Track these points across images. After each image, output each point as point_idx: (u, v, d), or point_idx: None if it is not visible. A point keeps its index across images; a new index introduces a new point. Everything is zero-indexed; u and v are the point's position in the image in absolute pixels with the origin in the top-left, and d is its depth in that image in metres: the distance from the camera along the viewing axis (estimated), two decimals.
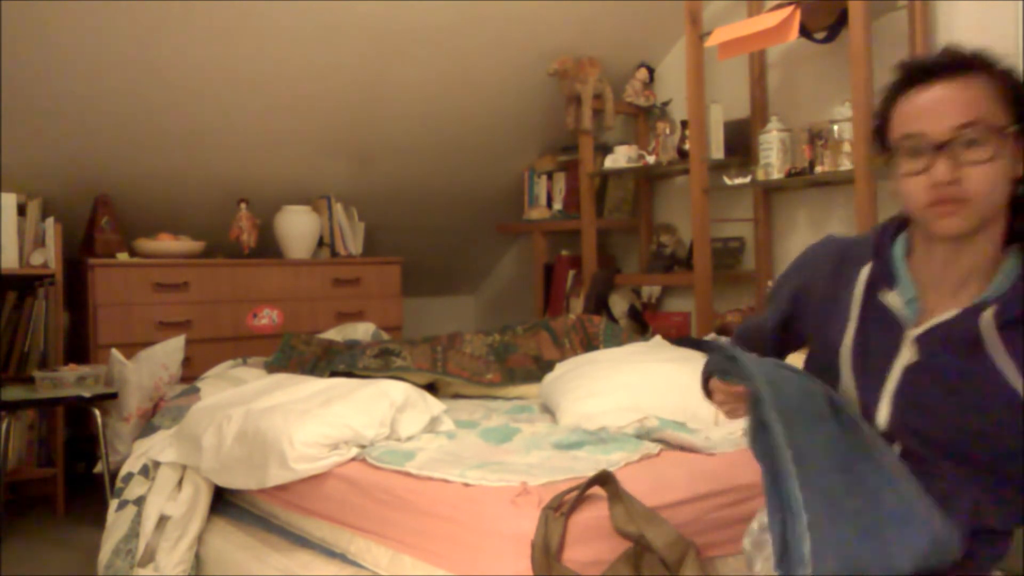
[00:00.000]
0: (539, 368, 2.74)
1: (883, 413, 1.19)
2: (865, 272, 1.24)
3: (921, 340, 1.17)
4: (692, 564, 1.44)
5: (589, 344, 2.97)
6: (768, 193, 3.45)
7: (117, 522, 2.23)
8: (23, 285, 3.13)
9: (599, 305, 3.66)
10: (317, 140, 3.61)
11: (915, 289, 1.20)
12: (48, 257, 3.10)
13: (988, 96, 1.11)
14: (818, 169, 2.95)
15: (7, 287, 3.10)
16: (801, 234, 3.38)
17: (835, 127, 2.90)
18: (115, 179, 3.33)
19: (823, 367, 1.25)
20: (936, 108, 1.11)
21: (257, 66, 3.15)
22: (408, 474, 1.74)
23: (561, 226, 4.00)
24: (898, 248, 1.23)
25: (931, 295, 1.19)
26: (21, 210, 3.08)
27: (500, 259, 4.88)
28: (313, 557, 1.87)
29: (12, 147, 3.02)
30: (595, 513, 1.50)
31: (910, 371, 1.18)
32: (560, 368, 2.51)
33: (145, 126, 3.18)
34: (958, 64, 1.13)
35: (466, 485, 1.64)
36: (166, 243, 3.36)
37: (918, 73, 1.15)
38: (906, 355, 1.18)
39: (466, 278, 4.91)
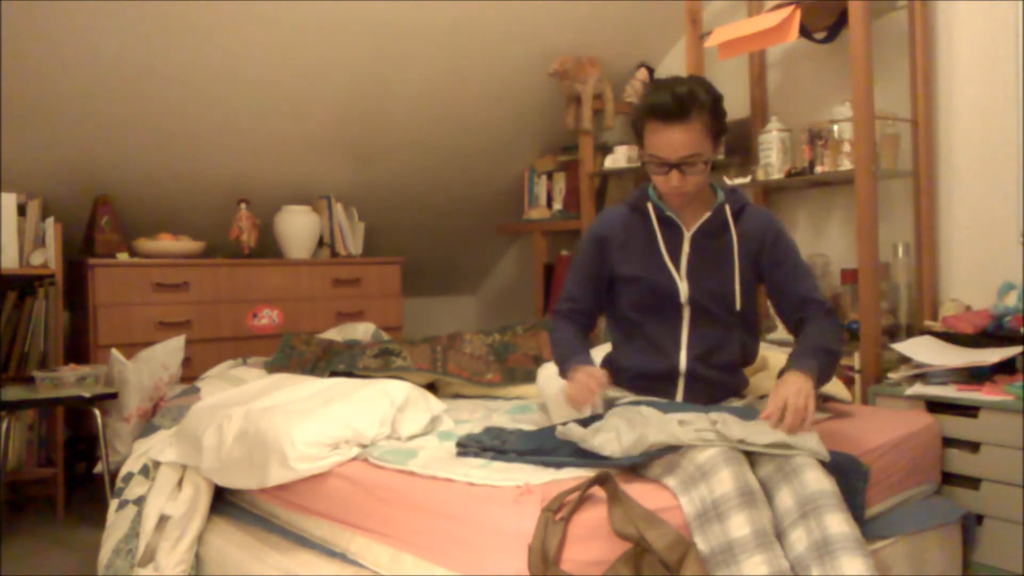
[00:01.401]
0: (539, 368, 2.73)
1: (683, 289, 1.90)
2: (651, 207, 1.96)
3: (694, 235, 1.93)
4: (693, 564, 1.44)
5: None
6: (768, 193, 3.45)
7: (117, 522, 2.23)
8: (23, 285, 3.13)
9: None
10: (317, 140, 3.60)
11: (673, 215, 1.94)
12: (48, 257, 3.10)
13: (701, 134, 1.80)
14: (818, 169, 2.95)
15: (7, 287, 3.10)
16: (801, 234, 3.38)
17: (835, 127, 2.90)
18: (115, 179, 3.33)
19: (649, 281, 1.92)
20: (669, 143, 1.80)
21: (257, 66, 3.15)
22: (411, 473, 1.74)
23: (561, 226, 4.00)
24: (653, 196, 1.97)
25: (683, 217, 1.94)
26: (21, 210, 3.08)
27: (500, 259, 4.88)
28: (313, 557, 1.87)
29: (12, 147, 3.02)
30: (595, 513, 1.50)
31: (690, 257, 1.92)
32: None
33: (145, 126, 3.18)
34: (684, 111, 1.77)
35: (470, 484, 1.64)
36: (166, 243, 3.36)
37: (654, 113, 1.80)
38: (686, 248, 1.93)
39: (466, 278, 4.91)
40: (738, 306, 1.91)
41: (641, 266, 1.94)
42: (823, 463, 1.64)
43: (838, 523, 1.52)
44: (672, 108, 1.77)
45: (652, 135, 1.82)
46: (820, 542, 1.51)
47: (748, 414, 1.74)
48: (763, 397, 2.21)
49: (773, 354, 2.41)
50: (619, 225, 2.00)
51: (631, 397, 1.95)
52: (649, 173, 1.89)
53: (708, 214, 1.93)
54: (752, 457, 1.66)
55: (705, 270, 1.92)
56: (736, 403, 1.96)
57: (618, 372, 1.99)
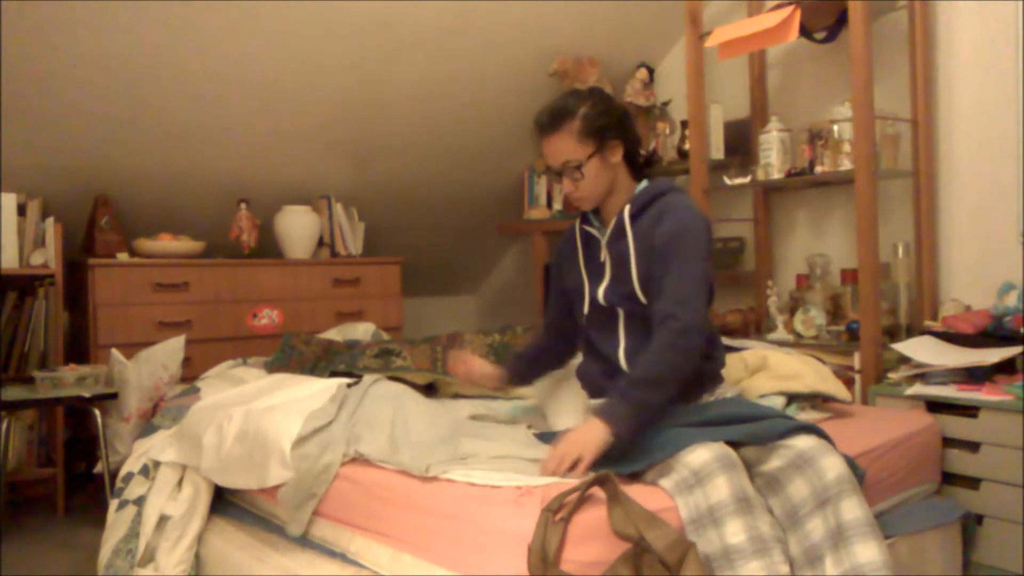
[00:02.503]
0: None
1: (600, 294, 1.98)
2: (577, 223, 2.07)
3: (607, 242, 1.98)
4: (693, 564, 1.44)
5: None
6: (768, 193, 3.45)
7: (117, 522, 2.23)
8: (23, 285, 3.13)
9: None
10: (317, 140, 3.60)
11: (599, 223, 2.02)
12: (48, 257, 3.10)
13: (572, 141, 1.89)
14: (818, 169, 2.95)
15: (7, 287, 3.10)
16: (801, 234, 3.38)
17: (835, 127, 2.90)
18: (115, 179, 3.33)
19: (577, 291, 2.03)
20: (547, 154, 1.94)
21: (257, 66, 3.15)
22: (410, 472, 1.74)
23: (561, 226, 3.99)
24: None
25: (608, 226, 1.98)
26: (21, 210, 3.08)
27: (500, 259, 4.88)
28: (313, 557, 1.87)
29: (12, 147, 3.02)
30: (596, 514, 1.50)
31: (611, 265, 1.97)
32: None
33: (145, 126, 3.18)
34: (553, 123, 1.90)
35: (470, 484, 1.64)
36: (166, 243, 3.36)
37: (536, 127, 1.94)
38: (604, 256, 1.99)
39: (466, 278, 4.91)
40: (643, 302, 1.90)
41: (572, 279, 2.06)
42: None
43: (852, 508, 1.55)
44: (543, 121, 1.92)
45: (542, 146, 1.95)
46: (835, 529, 1.54)
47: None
48: (763, 397, 2.21)
49: (774, 354, 2.41)
50: (564, 244, 2.11)
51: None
52: None
53: (615, 219, 1.97)
54: (761, 452, 1.66)
55: (616, 274, 1.96)
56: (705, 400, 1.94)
57: (584, 382, 2.10)
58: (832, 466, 1.60)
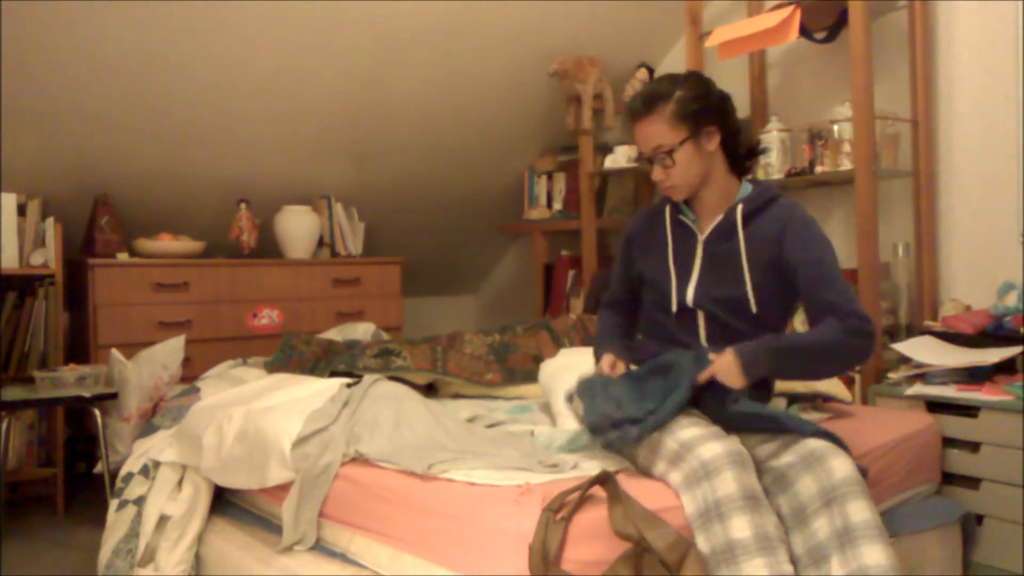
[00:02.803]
0: (540, 366, 2.73)
1: (690, 295, 1.88)
2: (668, 209, 1.96)
3: (706, 240, 1.89)
4: (693, 564, 1.44)
5: (590, 343, 2.96)
6: None
7: (117, 522, 2.23)
8: (23, 285, 3.13)
9: (599, 305, 3.65)
10: (317, 140, 3.60)
11: (693, 215, 1.93)
12: (48, 257, 3.10)
13: (664, 125, 1.80)
14: (818, 169, 2.95)
15: (7, 287, 3.10)
16: None
17: (835, 127, 2.90)
18: (115, 179, 3.33)
19: (660, 285, 1.92)
20: (639, 139, 1.86)
21: (257, 66, 3.15)
22: (411, 473, 1.74)
23: (561, 226, 4.00)
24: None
25: (703, 220, 1.92)
26: (21, 210, 3.08)
27: (500, 259, 4.88)
28: (313, 557, 1.87)
29: (12, 147, 3.02)
30: (596, 513, 1.50)
31: (703, 263, 1.88)
32: (562, 359, 2.50)
33: (145, 126, 3.18)
34: (647, 106, 1.82)
35: (470, 484, 1.64)
36: (166, 243, 3.36)
37: (628, 114, 1.87)
38: (699, 252, 1.90)
39: (466, 278, 4.91)
40: (754, 310, 1.83)
41: (655, 270, 1.94)
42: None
43: (861, 511, 1.54)
44: (636, 106, 1.84)
45: (633, 132, 1.88)
46: (842, 530, 1.53)
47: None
48: (785, 398, 2.21)
49: None
50: (644, 226, 2.00)
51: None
52: None
53: (720, 217, 1.87)
54: (772, 447, 1.67)
55: (715, 276, 1.86)
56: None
57: (642, 351, 1.98)
58: (841, 466, 1.59)
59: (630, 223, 2.06)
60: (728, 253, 1.85)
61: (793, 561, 1.55)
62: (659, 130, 1.81)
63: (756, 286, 1.82)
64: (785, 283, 1.82)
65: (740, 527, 1.49)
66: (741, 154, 1.91)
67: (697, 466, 1.57)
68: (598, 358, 1.98)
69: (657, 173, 1.84)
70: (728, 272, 1.84)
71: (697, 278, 1.87)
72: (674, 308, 1.89)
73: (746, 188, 1.90)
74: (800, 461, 1.62)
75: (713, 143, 1.83)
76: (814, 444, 1.64)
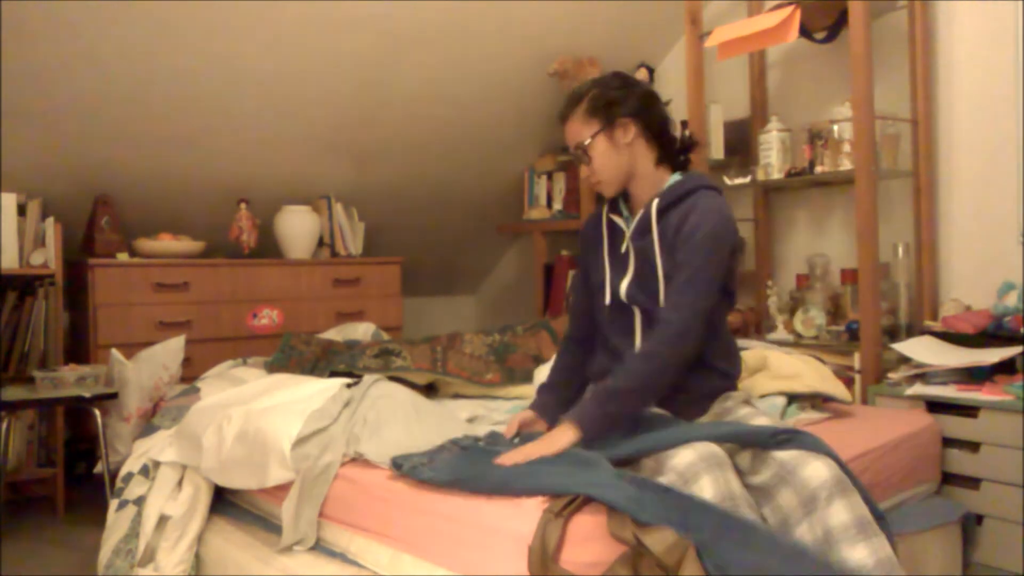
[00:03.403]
0: (536, 369, 2.73)
1: (622, 290, 1.88)
2: (604, 209, 1.98)
3: (632, 235, 1.89)
4: (692, 564, 1.43)
5: None
6: (768, 193, 3.45)
7: (117, 522, 2.23)
8: (23, 285, 3.13)
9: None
10: (317, 140, 3.60)
11: (628, 213, 1.94)
12: (48, 257, 3.10)
13: (579, 123, 1.87)
14: (818, 169, 2.95)
15: (7, 287, 3.10)
16: (801, 234, 3.39)
17: (835, 127, 2.90)
18: (115, 179, 3.33)
19: (598, 282, 1.94)
20: (566, 141, 1.91)
21: (257, 66, 3.15)
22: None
23: (561, 226, 4.00)
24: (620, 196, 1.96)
25: (633, 215, 1.92)
26: (21, 210, 3.08)
27: (500, 259, 4.88)
28: (313, 557, 1.87)
29: (12, 147, 3.02)
30: (596, 514, 1.50)
31: (633, 257, 1.87)
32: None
33: (145, 126, 3.18)
34: (567, 108, 1.89)
35: None
36: (166, 243, 3.36)
37: (560, 119, 1.92)
38: (628, 247, 1.89)
39: (466, 278, 4.91)
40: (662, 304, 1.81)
41: (595, 269, 1.96)
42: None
43: (838, 513, 1.51)
44: (562, 110, 1.91)
45: None
46: (822, 538, 1.51)
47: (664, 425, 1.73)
48: (764, 396, 2.21)
49: (774, 354, 2.41)
50: (590, 229, 2.02)
51: None
52: None
53: (642, 211, 1.88)
54: (747, 460, 1.65)
55: (641, 270, 1.86)
56: (733, 414, 1.84)
57: (592, 374, 1.98)
58: (814, 474, 1.55)
59: (584, 226, 2.06)
60: (646, 248, 1.85)
61: None
62: (575, 128, 1.87)
63: (667, 279, 1.80)
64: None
65: None
66: (674, 150, 1.91)
67: (674, 477, 1.56)
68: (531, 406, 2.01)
69: (582, 171, 1.90)
70: (647, 267, 1.85)
71: (632, 275, 1.87)
72: (607, 301, 1.90)
73: (672, 181, 1.88)
74: (775, 476, 1.59)
75: (628, 135, 1.84)
76: (783, 456, 1.59)
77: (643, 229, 1.86)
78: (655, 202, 1.85)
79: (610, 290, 1.91)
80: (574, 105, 1.88)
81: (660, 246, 1.82)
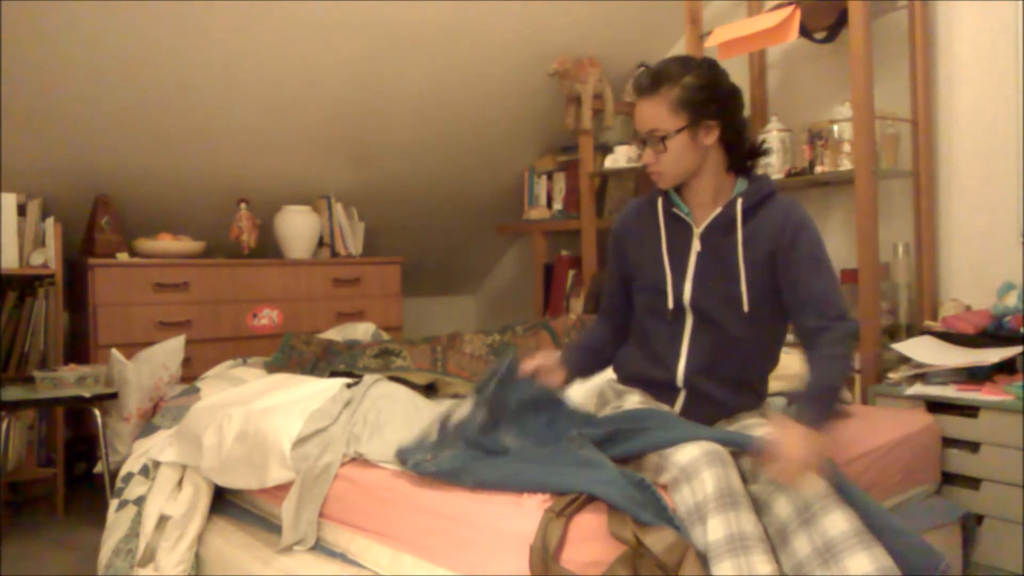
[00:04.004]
0: None
1: (687, 292, 1.81)
2: (660, 202, 1.87)
3: (703, 234, 1.82)
4: (691, 565, 1.44)
5: None
6: None
7: (117, 522, 2.23)
8: (23, 285, 3.13)
9: (599, 305, 3.65)
10: (317, 140, 3.60)
11: (687, 208, 1.84)
12: (48, 257, 3.10)
13: (665, 109, 1.73)
14: (818, 169, 2.95)
15: (7, 287, 3.10)
16: None
17: (835, 127, 2.90)
18: (115, 179, 3.33)
19: (652, 280, 1.84)
20: (639, 117, 1.78)
21: (257, 66, 3.15)
22: (412, 473, 1.74)
23: (561, 226, 4.00)
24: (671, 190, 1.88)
25: (697, 212, 1.84)
26: (21, 210, 3.08)
27: (500, 259, 4.88)
28: (313, 557, 1.87)
29: (12, 147, 3.02)
30: (596, 514, 1.50)
31: (699, 256, 1.81)
32: None
33: (145, 126, 3.18)
34: (652, 85, 1.75)
35: None
36: (166, 243, 3.36)
37: (637, 88, 1.79)
38: (696, 246, 1.82)
39: (466, 278, 4.91)
40: (745, 308, 1.77)
41: (648, 265, 1.85)
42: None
43: (836, 523, 1.51)
44: (642, 82, 1.77)
45: (635, 110, 1.81)
46: (822, 548, 1.50)
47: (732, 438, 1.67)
48: (773, 395, 2.20)
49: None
50: (634, 220, 1.92)
51: (636, 397, 1.87)
52: None
53: (719, 209, 1.80)
54: (751, 469, 1.64)
55: (713, 272, 1.80)
56: (740, 423, 1.83)
57: (622, 374, 1.95)
58: (809, 483, 1.55)
59: (618, 219, 1.96)
60: (725, 248, 1.79)
61: (776, 561, 1.53)
62: (658, 113, 1.74)
63: (750, 283, 1.77)
64: (777, 284, 1.78)
65: (714, 528, 1.48)
66: (743, 153, 1.83)
67: (677, 473, 1.57)
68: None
69: (647, 155, 1.78)
70: (723, 268, 1.79)
71: (693, 275, 1.81)
72: (670, 305, 1.81)
73: (742, 183, 1.84)
74: (770, 483, 1.59)
75: (711, 138, 1.76)
76: None
77: (721, 228, 1.80)
78: (739, 202, 1.79)
79: (674, 294, 1.81)
80: (659, 85, 1.74)
81: (743, 249, 1.78)
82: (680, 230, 1.84)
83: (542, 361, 1.86)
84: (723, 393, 1.82)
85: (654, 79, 1.74)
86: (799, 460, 1.52)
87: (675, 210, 1.84)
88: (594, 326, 2.05)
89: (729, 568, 1.45)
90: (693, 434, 1.62)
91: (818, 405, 1.63)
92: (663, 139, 1.74)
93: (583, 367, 1.97)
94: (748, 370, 1.85)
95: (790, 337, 2.98)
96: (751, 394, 1.88)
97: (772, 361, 1.90)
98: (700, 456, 1.56)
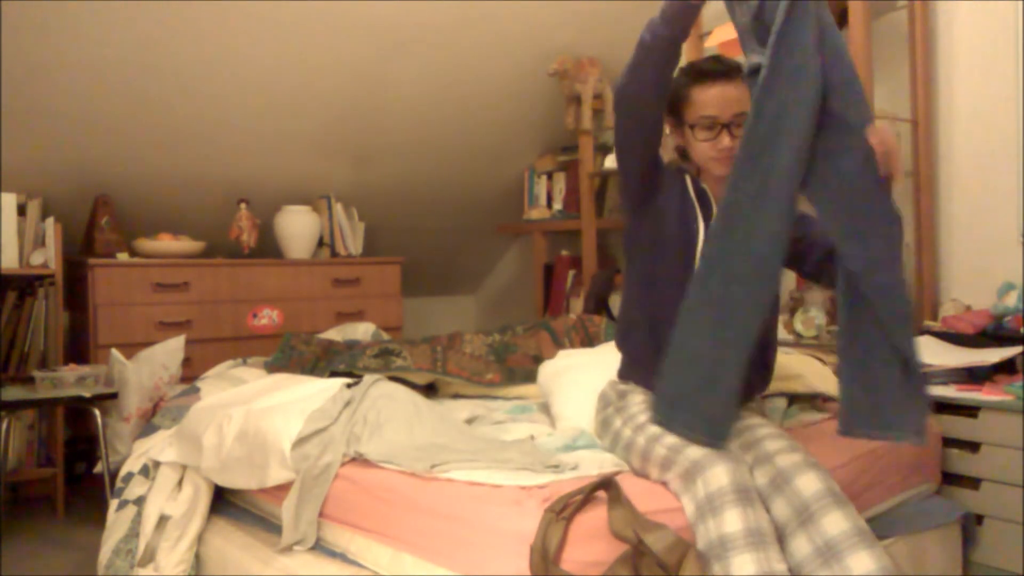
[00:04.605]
0: (539, 367, 2.73)
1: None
2: (690, 181, 1.88)
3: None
4: (691, 565, 1.44)
5: (590, 344, 2.97)
6: None
7: (117, 522, 2.23)
8: (23, 285, 3.13)
9: (599, 305, 3.65)
10: (317, 140, 3.61)
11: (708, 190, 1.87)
12: (48, 257, 3.10)
13: (745, 93, 1.69)
14: None
15: (7, 287, 3.10)
16: None
17: None
18: (115, 179, 3.33)
19: (681, 245, 1.82)
20: (723, 99, 1.76)
21: (257, 65, 3.15)
22: (411, 473, 1.74)
23: (561, 226, 4.00)
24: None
25: (716, 195, 1.84)
26: (21, 210, 3.08)
27: (500, 259, 4.88)
28: (313, 557, 1.87)
29: (12, 147, 3.02)
30: (597, 514, 1.50)
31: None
32: (561, 360, 2.50)
33: (145, 126, 3.18)
34: (731, 70, 1.76)
35: (471, 484, 1.64)
36: (166, 243, 3.36)
37: (704, 75, 1.78)
38: (702, 227, 1.82)
39: (466, 278, 4.91)
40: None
41: (675, 230, 1.83)
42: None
43: (836, 522, 1.51)
44: (716, 68, 1.78)
45: (703, 94, 1.78)
46: (823, 547, 1.50)
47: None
48: (765, 398, 2.21)
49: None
50: (675, 184, 1.89)
51: (639, 397, 1.85)
52: (691, 143, 1.82)
53: None
54: (752, 463, 1.65)
55: None
56: (745, 422, 1.81)
57: (629, 368, 1.93)
58: (808, 484, 1.56)
59: (666, 169, 1.89)
60: None
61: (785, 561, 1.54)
62: (744, 96, 1.73)
63: None
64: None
65: (732, 520, 1.48)
66: None
67: (689, 465, 1.57)
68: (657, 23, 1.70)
69: (725, 140, 1.77)
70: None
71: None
72: (697, 262, 1.75)
73: None
74: (770, 483, 1.60)
75: None
76: (781, 463, 1.61)
77: None
78: None
79: (700, 251, 1.80)
80: (733, 71, 1.77)
81: None
82: (705, 201, 1.86)
83: None
84: (765, 353, 1.87)
85: (728, 65, 1.78)
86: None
87: (704, 187, 1.87)
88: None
89: (750, 562, 1.44)
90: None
91: None
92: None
93: None
94: (766, 351, 1.88)
95: (790, 336, 2.99)
96: (766, 373, 1.93)
97: (776, 343, 1.96)
98: (713, 451, 1.57)
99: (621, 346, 1.99)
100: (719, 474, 1.53)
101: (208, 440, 2.11)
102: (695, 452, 1.58)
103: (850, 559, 1.48)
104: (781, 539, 1.56)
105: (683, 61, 1.82)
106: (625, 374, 1.97)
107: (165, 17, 2.83)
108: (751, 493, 1.54)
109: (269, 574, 1.91)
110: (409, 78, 3.47)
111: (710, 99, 1.78)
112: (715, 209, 1.82)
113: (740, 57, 1.73)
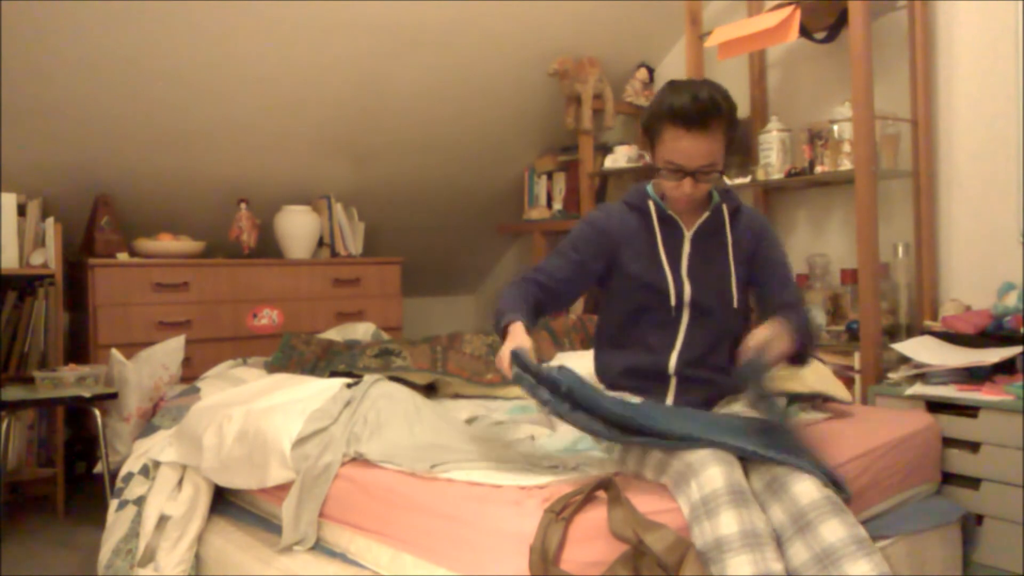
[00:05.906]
0: None
1: (687, 291, 1.89)
2: (652, 207, 1.94)
3: (694, 236, 1.92)
4: (692, 565, 1.43)
5: (590, 344, 2.97)
6: (768, 193, 3.45)
7: (117, 522, 2.23)
8: (23, 285, 3.13)
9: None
10: (317, 140, 3.60)
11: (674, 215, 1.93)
12: (48, 257, 3.10)
13: (719, 144, 1.77)
14: (818, 169, 2.95)
15: (7, 287, 3.10)
16: (801, 234, 3.38)
17: (835, 127, 2.90)
18: (115, 179, 3.33)
19: (650, 280, 1.89)
20: (688, 151, 1.77)
21: (257, 66, 3.15)
22: (411, 473, 1.74)
23: (561, 226, 4.00)
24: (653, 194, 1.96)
25: (683, 218, 1.93)
26: (21, 210, 3.08)
27: (500, 259, 4.88)
28: (313, 557, 1.87)
29: (12, 147, 3.02)
30: (596, 514, 1.50)
31: (690, 257, 1.91)
32: (561, 361, 2.50)
33: (145, 126, 3.18)
34: (708, 118, 1.73)
35: (471, 484, 1.64)
36: (166, 243, 3.36)
37: (680, 119, 1.74)
38: (687, 248, 1.92)
39: (466, 278, 4.91)
40: (735, 304, 1.93)
41: (643, 266, 1.90)
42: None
43: (834, 530, 1.50)
44: (695, 116, 1.73)
45: (671, 141, 1.78)
46: (821, 554, 1.49)
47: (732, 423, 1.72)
48: (785, 397, 2.21)
49: None
50: (619, 222, 1.95)
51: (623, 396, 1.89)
52: (661, 178, 1.86)
53: (707, 214, 1.93)
54: (748, 466, 1.64)
55: (704, 270, 1.92)
56: (735, 406, 1.92)
57: (606, 371, 1.99)
58: (804, 492, 1.55)
59: (601, 217, 1.96)
60: (715, 249, 1.93)
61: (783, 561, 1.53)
62: (715, 149, 1.77)
63: (738, 280, 1.94)
64: (752, 278, 1.98)
65: (727, 522, 1.48)
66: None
67: (683, 467, 1.57)
68: (501, 325, 1.76)
69: (686, 187, 1.80)
70: (714, 267, 1.92)
71: (688, 274, 1.91)
72: (673, 303, 1.88)
73: (719, 192, 1.97)
74: (766, 489, 1.60)
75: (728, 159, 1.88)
76: (777, 470, 1.60)
77: (710, 232, 1.93)
78: (725, 207, 1.95)
79: (675, 292, 1.89)
80: (712, 117, 1.74)
81: (733, 251, 1.94)
82: (670, 234, 1.94)
83: (524, 343, 1.69)
84: (714, 377, 1.93)
85: (707, 112, 1.73)
86: (773, 337, 1.73)
87: (670, 213, 1.93)
88: (524, 286, 1.89)
89: (747, 563, 1.44)
90: (717, 444, 1.61)
91: (797, 315, 1.86)
92: (721, 173, 1.83)
93: (535, 317, 1.87)
94: (731, 355, 1.93)
95: None
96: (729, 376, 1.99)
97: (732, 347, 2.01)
98: (708, 453, 1.57)
99: (597, 358, 2.07)
100: (714, 476, 1.53)
101: (208, 440, 2.11)
102: (690, 456, 1.58)
103: (848, 566, 1.47)
104: (779, 543, 1.55)
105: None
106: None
107: (166, 17, 2.82)
108: (746, 494, 1.54)
109: (269, 574, 1.91)
110: (409, 78, 3.47)
111: (680, 149, 1.77)
112: (684, 230, 1.93)
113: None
